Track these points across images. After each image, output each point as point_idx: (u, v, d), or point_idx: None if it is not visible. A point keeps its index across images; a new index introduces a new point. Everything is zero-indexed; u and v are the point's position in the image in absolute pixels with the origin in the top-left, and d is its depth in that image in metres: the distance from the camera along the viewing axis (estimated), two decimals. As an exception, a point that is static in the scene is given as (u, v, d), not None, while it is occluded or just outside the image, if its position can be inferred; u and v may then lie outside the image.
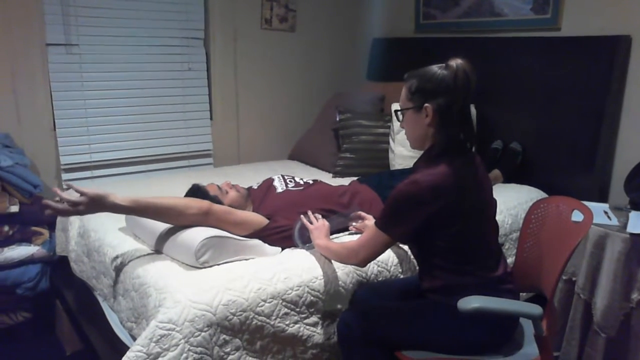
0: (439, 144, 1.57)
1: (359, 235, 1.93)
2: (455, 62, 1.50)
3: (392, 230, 1.56)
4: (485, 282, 1.58)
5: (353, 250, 1.67)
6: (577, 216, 1.66)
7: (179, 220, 1.85)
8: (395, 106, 2.91)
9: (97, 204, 1.69)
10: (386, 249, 1.63)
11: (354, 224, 2.07)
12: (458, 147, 1.57)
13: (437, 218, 1.52)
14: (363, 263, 1.69)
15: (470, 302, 1.44)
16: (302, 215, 1.98)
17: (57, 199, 1.68)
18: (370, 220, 2.04)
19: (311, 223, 1.93)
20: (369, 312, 1.65)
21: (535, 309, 1.46)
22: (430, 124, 1.56)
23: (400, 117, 1.64)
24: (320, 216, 1.99)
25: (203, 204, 1.89)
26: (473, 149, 1.63)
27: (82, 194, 1.67)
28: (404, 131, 2.97)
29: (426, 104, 1.54)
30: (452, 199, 1.50)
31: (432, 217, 1.51)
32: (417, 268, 1.74)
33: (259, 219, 2.00)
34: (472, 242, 1.58)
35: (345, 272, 1.85)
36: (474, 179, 1.58)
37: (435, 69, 1.54)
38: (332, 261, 1.85)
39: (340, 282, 1.82)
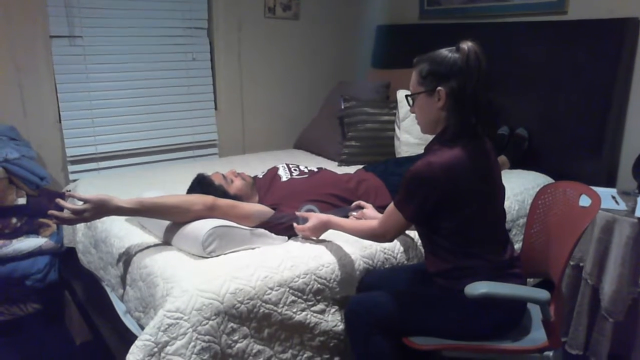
0: (452, 128, 1.56)
1: None
2: (467, 45, 1.50)
3: (406, 209, 1.56)
4: (493, 265, 1.58)
5: (378, 234, 1.69)
6: (584, 201, 1.65)
7: (184, 218, 1.85)
8: (402, 93, 2.92)
9: (101, 209, 1.70)
10: (404, 228, 1.63)
11: (353, 213, 2.06)
12: (470, 131, 1.56)
13: (449, 200, 1.52)
14: (388, 240, 1.72)
15: (478, 288, 1.45)
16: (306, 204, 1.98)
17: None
18: (369, 209, 2.03)
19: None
20: (376, 298, 1.65)
21: (543, 294, 1.46)
22: (443, 107, 1.55)
23: (411, 102, 1.63)
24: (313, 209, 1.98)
25: (207, 199, 1.89)
26: (484, 134, 1.62)
27: (85, 201, 1.68)
28: (409, 118, 2.98)
29: (439, 87, 1.53)
30: (465, 181, 1.51)
31: (444, 198, 1.51)
32: (424, 253, 1.74)
33: (264, 211, 2.00)
34: (481, 226, 1.58)
35: (352, 260, 1.85)
36: (487, 163, 1.58)
37: (446, 52, 1.54)
38: (339, 248, 1.85)
39: (347, 269, 1.82)
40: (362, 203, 2.07)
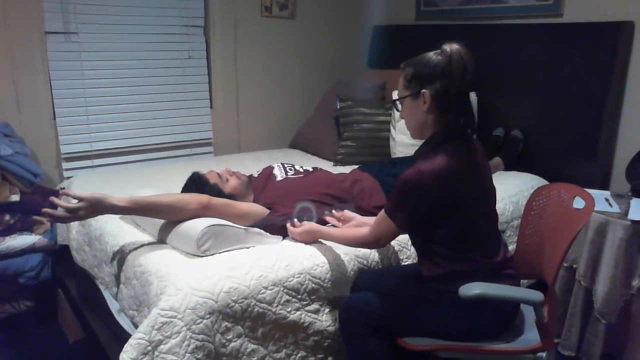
0: (440, 131, 1.56)
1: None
2: (450, 47, 1.49)
3: (398, 218, 1.56)
4: (486, 268, 1.58)
5: (369, 242, 1.68)
6: (578, 203, 1.66)
7: (179, 217, 1.85)
8: (395, 96, 2.92)
9: (96, 208, 1.70)
10: (396, 235, 1.63)
11: (333, 211, 2.02)
12: (459, 133, 1.56)
13: (442, 207, 1.51)
14: (381, 246, 1.78)
15: (472, 289, 1.45)
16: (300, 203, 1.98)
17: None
18: (350, 214, 2.02)
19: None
20: (370, 299, 1.65)
21: (537, 295, 1.46)
22: (429, 110, 1.55)
23: (400, 106, 1.64)
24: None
25: (202, 198, 1.88)
26: (474, 136, 1.63)
27: (79, 199, 1.67)
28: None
29: (423, 90, 1.53)
30: (456, 187, 1.50)
31: (436, 205, 1.51)
32: (417, 258, 1.74)
33: (259, 210, 2.00)
34: (474, 229, 1.58)
35: (346, 260, 1.85)
36: (477, 166, 1.58)
37: (431, 55, 1.54)
38: (333, 248, 1.85)
39: (341, 269, 1.82)
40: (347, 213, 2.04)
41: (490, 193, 1.65)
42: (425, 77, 1.53)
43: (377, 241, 1.66)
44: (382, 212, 1.61)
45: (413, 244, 1.74)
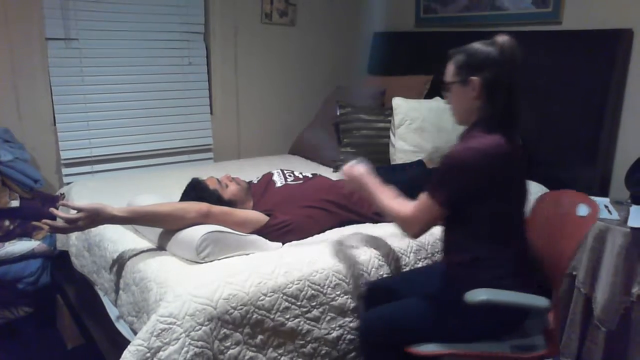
0: (486, 118, 1.57)
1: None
2: (502, 38, 1.54)
3: (440, 194, 1.53)
4: (509, 265, 1.57)
5: (406, 221, 1.59)
6: (581, 210, 1.66)
7: (178, 225, 1.84)
8: (397, 100, 2.94)
9: (95, 218, 1.70)
10: (436, 219, 1.57)
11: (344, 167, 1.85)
12: (505, 122, 1.56)
13: (484, 186, 1.51)
14: (415, 236, 1.62)
15: (478, 295, 1.46)
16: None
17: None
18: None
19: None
20: (385, 317, 1.65)
21: (543, 302, 1.47)
22: (477, 97, 1.56)
23: (447, 92, 1.64)
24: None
25: (202, 206, 1.88)
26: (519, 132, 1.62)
27: (78, 210, 1.68)
28: (404, 126, 2.98)
29: (472, 77, 1.55)
30: (501, 169, 1.51)
31: (480, 184, 1.50)
32: (444, 246, 1.71)
33: (259, 217, 1.99)
34: (510, 219, 1.58)
35: (346, 266, 1.85)
36: (521, 155, 1.58)
37: (481, 44, 1.57)
38: (333, 254, 1.85)
39: (340, 276, 1.82)
40: None
41: (524, 191, 1.64)
42: (475, 66, 1.55)
43: (413, 222, 1.57)
44: (421, 195, 1.56)
45: (446, 226, 1.67)
